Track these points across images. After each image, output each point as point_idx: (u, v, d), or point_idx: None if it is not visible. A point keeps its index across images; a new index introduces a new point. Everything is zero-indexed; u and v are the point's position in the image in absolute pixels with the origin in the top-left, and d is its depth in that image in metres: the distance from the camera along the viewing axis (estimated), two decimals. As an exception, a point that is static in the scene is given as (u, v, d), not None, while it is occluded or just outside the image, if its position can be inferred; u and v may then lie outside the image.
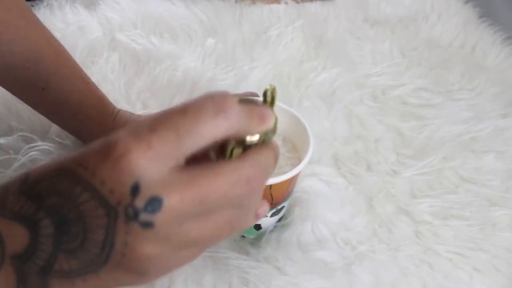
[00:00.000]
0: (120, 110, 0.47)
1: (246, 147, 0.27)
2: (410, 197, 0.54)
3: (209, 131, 0.23)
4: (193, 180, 0.23)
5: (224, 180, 0.24)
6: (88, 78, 0.47)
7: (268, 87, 0.30)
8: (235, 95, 0.33)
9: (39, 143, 0.52)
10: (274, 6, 0.78)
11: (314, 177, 0.54)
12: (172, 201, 0.22)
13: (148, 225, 0.22)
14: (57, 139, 0.53)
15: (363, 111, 0.64)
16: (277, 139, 0.47)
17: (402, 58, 0.73)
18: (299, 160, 0.41)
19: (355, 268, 0.47)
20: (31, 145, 0.51)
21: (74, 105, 0.45)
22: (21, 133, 0.53)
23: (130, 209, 0.22)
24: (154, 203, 0.22)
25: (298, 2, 0.79)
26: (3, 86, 0.46)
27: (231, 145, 0.27)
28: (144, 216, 0.22)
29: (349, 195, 0.54)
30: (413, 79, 0.69)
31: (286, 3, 0.79)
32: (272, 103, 0.31)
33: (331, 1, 0.81)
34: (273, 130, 0.28)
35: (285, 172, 0.40)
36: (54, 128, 0.55)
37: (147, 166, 0.22)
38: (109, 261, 0.23)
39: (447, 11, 0.82)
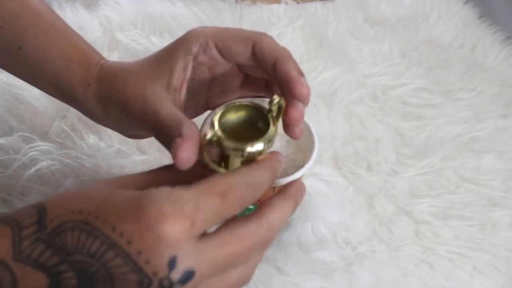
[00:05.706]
0: (105, 62, 0.41)
1: (244, 156, 0.28)
2: (410, 197, 0.54)
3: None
4: (219, 248, 0.25)
5: (245, 245, 0.26)
6: (72, 32, 0.43)
7: (275, 96, 0.30)
8: (240, 101, 0.32)
9: (39, 143, 0.52)
10: (274, 6, 0.78)
11: (314, 177, 0.54)
12: (202, 270, 0.24)
13: None
14: (57, 139, 0.53)
15: (363, 111, 0.63)
16: (281, 141, 0.47)
17: (402, 58, 0.73)
18: (303, 162, 0.41)
19: (355, 268, 0.47)
20: (31, 145, 0.51)
21: (54, 61, 0.41)
22: (21, 133, 0.53)
23: (165, 281, 0.24)
24: (188, 275, 0.24)
25: (298, 2, 0.79)
26: None
27: (231, 156, 0.28)
28: (177, 287, 0.24)
29: (349, 195, 0.54)
30: (413, 79, 0.69)
31: (286, 3, 0.79)
32: (278, 114, 0.30)
33: (331, 1, 0.81)
34: (272, 143, 0.29)
35: (289, 174, 0.40)
36: (54, 128, 0.55)
37: (185, 241, 0.24)
38: None
39: (447, 11, 0.82)
